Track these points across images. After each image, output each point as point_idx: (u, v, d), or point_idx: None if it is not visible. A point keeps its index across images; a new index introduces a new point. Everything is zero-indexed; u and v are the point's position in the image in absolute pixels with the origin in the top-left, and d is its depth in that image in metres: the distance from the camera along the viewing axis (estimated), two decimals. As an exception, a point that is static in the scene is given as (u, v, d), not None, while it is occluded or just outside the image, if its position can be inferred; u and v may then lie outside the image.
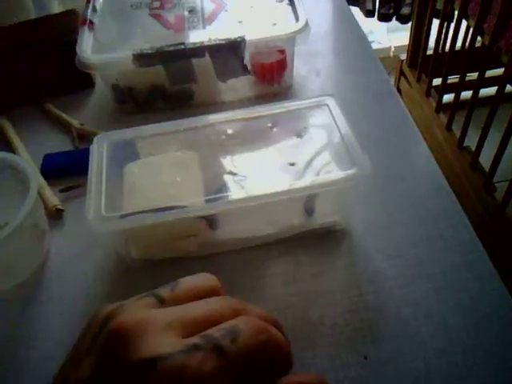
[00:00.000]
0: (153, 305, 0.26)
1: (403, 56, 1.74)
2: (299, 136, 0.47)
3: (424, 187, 0.51)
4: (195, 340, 0.23)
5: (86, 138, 0.60)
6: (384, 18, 1.77)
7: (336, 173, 0.42)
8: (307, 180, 0.42)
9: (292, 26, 0.57)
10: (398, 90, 1.82)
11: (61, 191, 0.54)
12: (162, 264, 0.47)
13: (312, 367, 0.40)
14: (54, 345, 0.43)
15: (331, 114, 0.47)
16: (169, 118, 0.51)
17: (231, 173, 0.46)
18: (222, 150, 0.48)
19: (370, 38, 1.91)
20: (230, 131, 0.48)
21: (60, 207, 0.51)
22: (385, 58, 1.89)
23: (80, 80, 0.65)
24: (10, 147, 0.59)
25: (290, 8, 0.61)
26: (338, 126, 0.46)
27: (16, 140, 0.59)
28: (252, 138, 0.48)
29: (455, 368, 0.39)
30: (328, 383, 0.27)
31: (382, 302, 0.44)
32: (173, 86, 0.60)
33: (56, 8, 0.71)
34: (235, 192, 0.43)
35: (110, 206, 0.43)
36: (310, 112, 0.49)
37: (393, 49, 1.87)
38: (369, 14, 1.77)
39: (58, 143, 0.60)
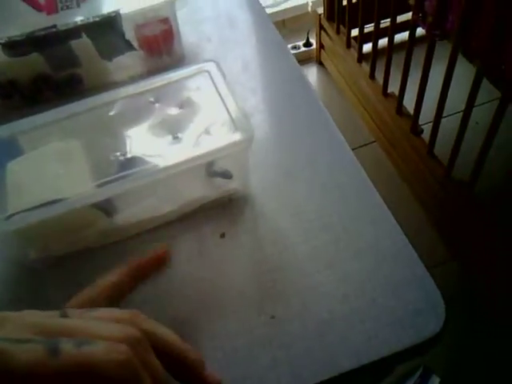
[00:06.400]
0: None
1: (320, 10, 1.74)
2: (182, 107, 0.46)
3: (318, 141, 0.52)
4: (35, 336, 0.22)
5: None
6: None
7: (218, 140, 0.42)
8: (190, 152, 0.41)
9: (168, -7, 0.55)
10: (321, 45, 1.82)
11: None
12: (63, 259, 0.46)
13: (222, 336, 0.40)
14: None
15: (212, 80, 0.46)
16: (59, 107, 0.48)
17: (118, 155, 0.44)
18: (108, 132, 0.46)
19: (287, -4, 1.88)
20: (112, 112, 0.46)
21: None
22: (303, 15, 1.88)
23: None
24: None
25: (166, -26, 0.58)
26: (219, 92, 0.45)
27: None
28: (135, 115, 0.46)
29: (357, 312, 0.40)
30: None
31: (285, 261, 0.44)
32: (57, 73, 0.57)
33: None
34: (123, 173, 0.42)
35: (-7, 209, 0.41)
36: (191, 81, 0.47)
37: (310, 3, 1.85)
38: (281, -29, 1.74)
39: None
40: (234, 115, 0.43)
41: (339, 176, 0.48)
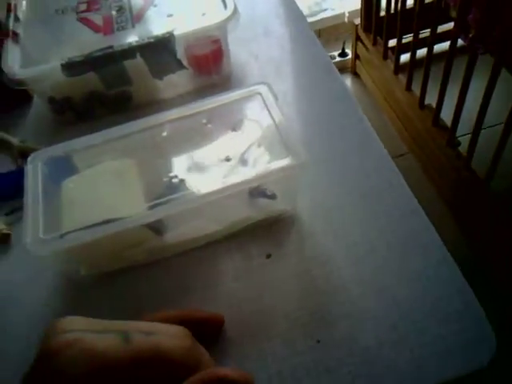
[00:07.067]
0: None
1: (357, 21, 1.73)
2: (234, 130, 0.47)
3: (366, 163, 0.52)
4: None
5: (29, 155, 0.59)
6: (334, -17, 1.74)
7: (268, 165, 0.42)
8: (240, 175, 0.42)
9: (220, 15, 0.56)
10: (356, 55, 1.81)
11: (6, 214, 0.53)
12: (112, 276, 0.47)
13: (269, 357, 0.41)
14: (13, 373, 0.43)
15: (264, 103, 0.47)
16: (110, 123, 0.50)
17: (170, 176, 0.45)
18: (159, 153, 0.47)
19: (323, 6, 1.89)
20: (165, 133, 0.48)
21: (6, 231, 0.50)
22: (340, 25, 1.88)
23: (14, 95, 0.63)
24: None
25: (218, -4, 0.60)
26: (271, 115, 0.46)
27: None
28: (187, 137, 0.47)
29: (405, 340, 0.40)
30: (252, 379, 0.29)
31: (332, 284, 0.44)
32: (109, 91, 0.59)
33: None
34: (175, 196, 0.43)
35: (48, 226, 0.43)
36: (244, 103, 0.48)
37: (347, 14, 1.85)
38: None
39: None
40: (286, 139, 0.43)
41: (387, 199, 0.48)
